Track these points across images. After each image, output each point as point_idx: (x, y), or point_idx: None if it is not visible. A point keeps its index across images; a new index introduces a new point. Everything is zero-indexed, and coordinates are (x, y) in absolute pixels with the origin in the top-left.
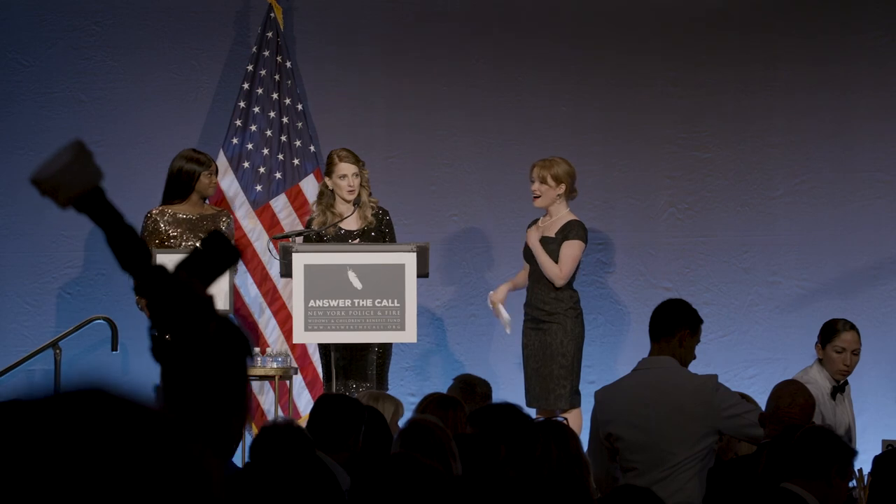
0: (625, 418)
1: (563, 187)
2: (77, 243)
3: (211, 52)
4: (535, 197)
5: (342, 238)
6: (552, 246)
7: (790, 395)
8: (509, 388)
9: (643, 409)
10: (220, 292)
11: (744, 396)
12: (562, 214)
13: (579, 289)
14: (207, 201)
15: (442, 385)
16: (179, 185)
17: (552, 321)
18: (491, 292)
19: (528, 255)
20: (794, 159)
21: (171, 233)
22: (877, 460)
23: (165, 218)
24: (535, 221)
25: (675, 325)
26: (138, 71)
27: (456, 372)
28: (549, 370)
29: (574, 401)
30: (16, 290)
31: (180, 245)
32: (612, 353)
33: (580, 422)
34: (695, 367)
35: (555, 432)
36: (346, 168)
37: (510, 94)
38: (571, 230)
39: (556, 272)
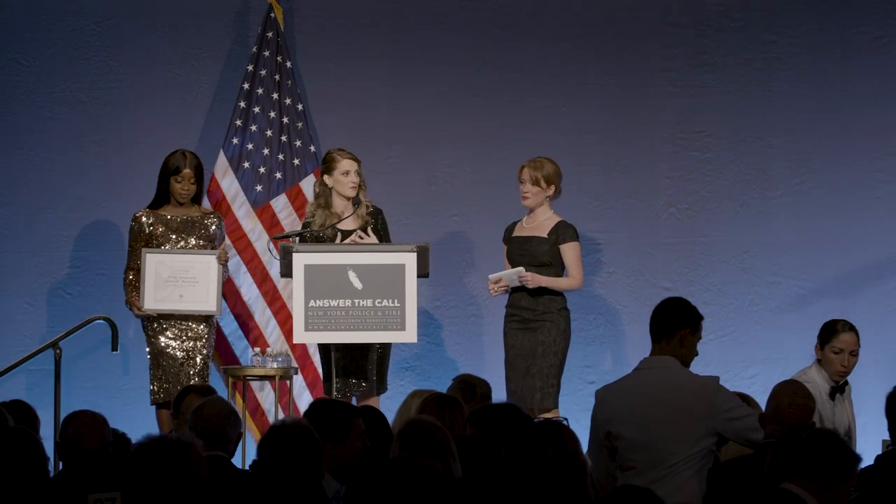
0: (625, 417)
1: (552, 188)
2: (77, 243)
3: (211, 52)
4: (525, 197)
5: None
6: (544, 246)
7: (790, 395)
8: None
9: (643, 408)
10: (209, 296)
11: (744, 398)
12: (548, 215)
13: None
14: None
15: (441, 385)
16: (160, 190)
17: (545, 320)
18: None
19: (513, 256)
20: (793, 159)
21: (157, 232)
22: (878, 460)
23: (150, 220)
24: (514, 224)
25: (675, 325)
26: (138, 71)
27: (455, 372)
28: (539, 367)
29: (556, 400)
30: (16, 290)
31: (166, 244)
32: (612, 353)
33: None
34: (694, 368)
35: (554, 433)
36: (348, 164)
37: (510, 94)
38: (565, 232)
39: (575, 282)
